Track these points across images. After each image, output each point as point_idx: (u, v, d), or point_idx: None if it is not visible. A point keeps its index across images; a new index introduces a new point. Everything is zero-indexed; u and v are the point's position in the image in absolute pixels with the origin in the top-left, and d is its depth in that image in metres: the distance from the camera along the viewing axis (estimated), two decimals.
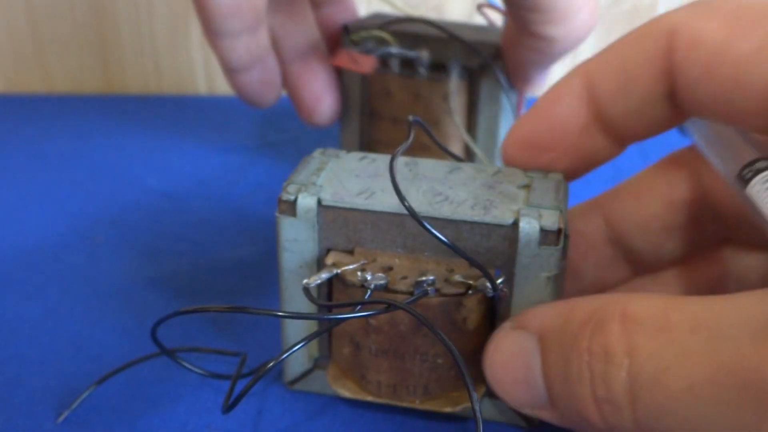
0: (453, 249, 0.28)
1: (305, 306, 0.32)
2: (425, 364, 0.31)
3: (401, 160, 0.34)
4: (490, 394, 0.32)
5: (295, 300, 0.32)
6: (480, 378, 0.31)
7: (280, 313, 0.31)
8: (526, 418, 0.32)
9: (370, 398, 0.32)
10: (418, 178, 0.32)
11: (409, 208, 0.28)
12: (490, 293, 0.29)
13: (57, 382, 0.35)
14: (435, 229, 0.28)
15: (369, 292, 0.29)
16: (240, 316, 0.39)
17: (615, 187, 0.36)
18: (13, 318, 0.39)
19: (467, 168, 0.33)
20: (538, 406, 0.29)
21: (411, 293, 0.29)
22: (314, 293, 0.32)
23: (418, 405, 0.32)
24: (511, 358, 0.29)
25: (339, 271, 0.30)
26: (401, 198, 0.29)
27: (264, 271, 0.44)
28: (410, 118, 0.32)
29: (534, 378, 0.28)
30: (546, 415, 0.29)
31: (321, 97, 0.48)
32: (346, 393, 0.32)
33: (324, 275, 0.30)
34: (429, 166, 0.33)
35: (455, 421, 0.33)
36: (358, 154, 0.34)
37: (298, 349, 0.29)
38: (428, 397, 0.32)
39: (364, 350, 0.31)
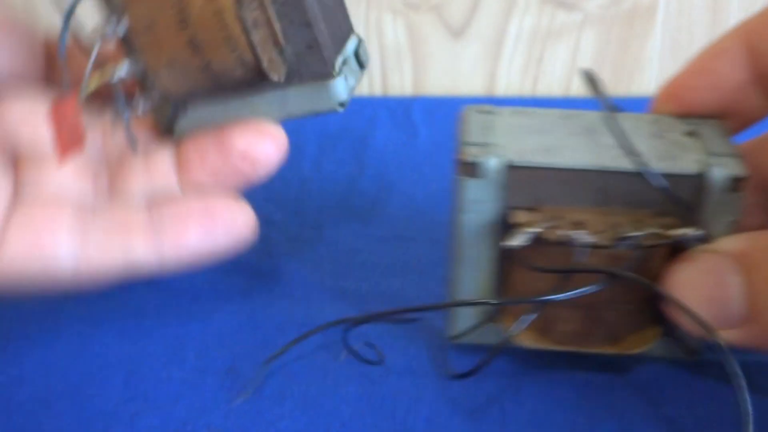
0: (675, 201, 0.30)
1: (483, 267, 0.33)
2: (617, 312, 0.32)
3: (557, 113, 0.34)
4: (666, 333, 0.33)
5: (473, 262, 0.33)
6: (658, 320, 0.33)
7: (546, 298, 0.31)
8: (689, 350, 0.34)
9: (553, 347, 0.33)
10: (587, 132, 0.33)
11: (642, 167, 0.30)
12: (693, 241, 0.30)
13: None
14: (626, 181, 0.30)
15: (585, 251, 0.30)
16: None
17: (762, 135, 0.36)
18: None
19: (625, 119, 0.33)
20: (728, 324, 0.30)
21: (611, 248, 0.30)
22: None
23: (603, 350, 0.33)
24: (704, 278, 0.30)
25: (541, 229, 0.30)
26: (636, 164, 0.30)
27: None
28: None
29: (728, 296, 0.29)
30: (736, 335, 0.30)
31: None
32: (528, 343, 0.33)
33: (525, 234, 0.30)
34: (588, 118, 0.34)
35: (625, 370, 0.35)
36: (511, 109, 0.34)
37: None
38: (614, 342, 0.33)
39: (557, 303, 0.32)
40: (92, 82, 0.32)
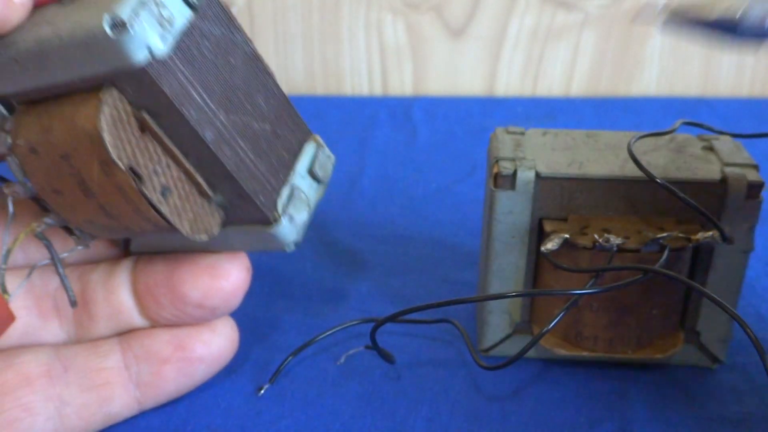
0: (693, 207, 0.31)
1: (513, 275, 0.34)
2: (642, 316, 0.33)
3: (582, 133, 0.36)
4: (687, 339, 0.35)
5: (503, 270, 0.34)
6: (682, 325, 0.35)
7: (576, 292, 0.32)
8: (713, 357, 0.35)
9: (585, 354, 0.34)
10: (610, 148, 0.34)
11: (650, 174, 0.31)
12: (718, 244, 0.32)
13: None
14: (649, 190, 0.32)
15: (612, 252, 0.31)
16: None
17: None
18: None
19: (647, 138, 0.35)
20: None
21: (638, 251, 0.32)
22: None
23: (631, 355, 0.34)
24: None
25: (568, 236, 0.32)
26: (642, 168, 0.31)
27: None
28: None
29: None
30: None
31: None
32: (562, 351, 0.34)
33: (557, 240, 0.32)
34: (611, 136, 0.35)
35: (651, 371, 0.36)
36: (539, 131, 0.36)
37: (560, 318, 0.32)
38: (639, 347, 0.34)
39: (585, 308, 0.33)
40: (17, 241, 0.29)
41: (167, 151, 0.27)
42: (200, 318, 0.32)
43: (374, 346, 0.34)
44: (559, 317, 0.32)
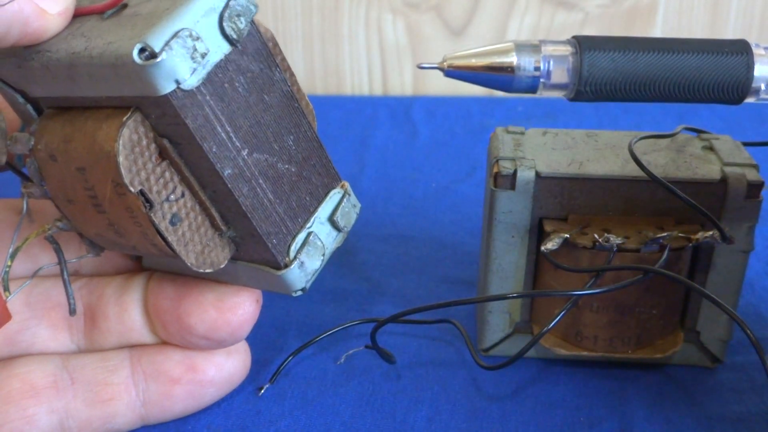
0: (694, 207, 0.31)
1: (513, 275, 0.34)
2: (642, 316, 0.33)
3: (582, 133, 0.36)
4: (687, 339, 0.35)
5: (503, 269, 0.34)
6: (681, 325, 0.35)
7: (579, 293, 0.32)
8: (713, 357, 0.35)
9: (585, 353, 0.34)
10: (610, 147, 0.34)
11: (651, 174, 0.31)
12: (718, 244, 0.32)
13: None
14: (649, 190, 0.32)
15: (613, 252, 0.31)
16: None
17: None
18: None
19: (648, 139, 0.35)
20: None
21: (638, 251, 0.32)
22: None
23: (631, 355, 0.34)
24: None
25: (568, 235, 0.32)
26: (642, 167, 0.31)
27: None
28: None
29: None
30: None
31: None
32: (562, 351, 0.34)
33: (557, 240, 0.32)
34: (611, 136, 0.35)
35: (652, 371, 0.36)
36: (539, 131, 0.36)
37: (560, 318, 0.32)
38: (639, 347, 0.34)
39: (585, 308, 0.33)
40: (27, 240, 0.29)
41: (184, 180, 0.27)
42: (207, 347, 0.32)
43: (374, 346, 0.34)
44: (559, 317, 0.32)
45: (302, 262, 0.29)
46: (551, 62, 0.26)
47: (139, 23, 0.24)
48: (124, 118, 0.25)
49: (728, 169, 0.32)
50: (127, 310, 0.32)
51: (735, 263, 0.33)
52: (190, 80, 0.24)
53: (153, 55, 0.23)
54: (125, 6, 0.26)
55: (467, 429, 0.33)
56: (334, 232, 0.30)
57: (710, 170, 0.33)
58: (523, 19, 0.60)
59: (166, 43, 0.24)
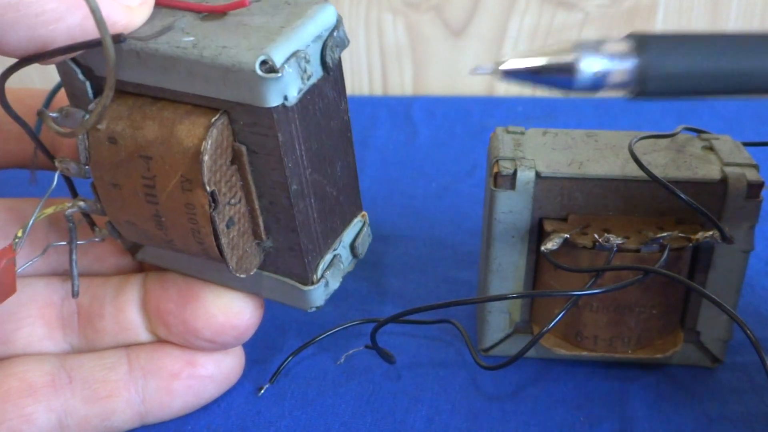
0: (694, 207, 0.31)
1: (513, 275, 0.34)
2: (642, 316, 0.33)
3: (582, 133, 0.36)
4: (687, 339, 0.35)
5: (503, 269, 0.34)
6: (681, 325, 0.35)
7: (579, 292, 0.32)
8: (713, 357, 0.35)
9: (585, 353, 0.34)
10: (610, 147, 0.34)
11: (651, 174, 0.31)
12: (718, 244, 0.32)
13: None
14: (649, 190, 0.32)
15: (613, 252, 0.32)
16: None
17: None
18: None
19: (648, 139, 0.35)
20: None
21: (638, 251, 0.32)
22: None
23: (631, 355, 0.34)
24: None
25: (568, 235, 0.32)
26: (642, 167, 0.31)
27: None
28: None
29: None
30: None
31: None
32: (562, 351, 0.34)
33: (557, 240, 0.32)
34: (611, 136, 0.35)
35: (651, 370, 0.36)
36: (539, 130, 0.36)
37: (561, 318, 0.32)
38: (639, 347, 0.34)
39: (585, 308, 0.33)
40: (46, 212, 0.29)
41: (245, 186, 0.28)
42: (209, 349, 0.32)
43: (374, 346, 0.34)
44: (559, 317, 0.32)
45: (327, 282, 0.30)
46: (613, 60, 0.25)
47: (252, 34, 0.26)
48: (213, 119, 0.26)
49: (728, 169, 0.32)
50: (123, 311, 0.32)
51: (735, 263, 0.33)
52: (293, 98, 0.26)
53: (272, 70, 0.25)
54: (224, 12, 0.27)
55: (467, 429, 0.33)
56: (351, 257, 0.32)
57: (710, 170, 0.33)
58: (523, 19, 0.60)
59: (286, 60, 0.25)
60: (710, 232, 0.32)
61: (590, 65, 0.26)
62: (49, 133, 0.28)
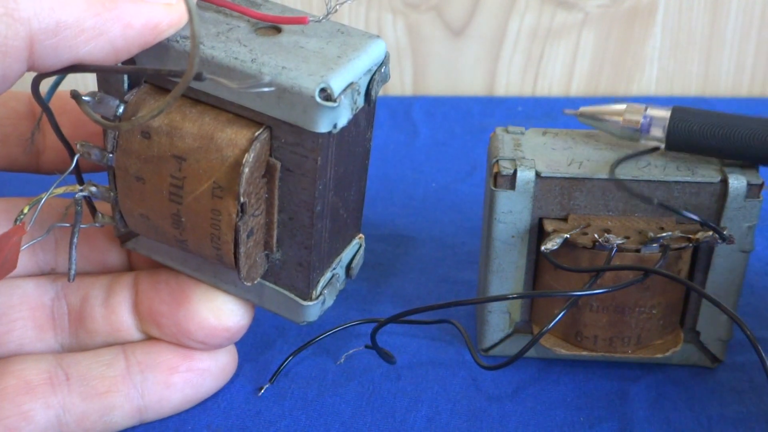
0: (690, 218, 0.32)
1: (513, 275, 0.34)
2: (642, 315, 0.33)
3: (582, 133, 0.36)
4: (687, 339, 0.35)
5: (503, 269, 0.34)
6: (681, 325, 0.35)
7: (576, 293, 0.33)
8: (713, 357, 0.36)
9: (585, 353, 0.34)
10: (610, 147, 0.34)
11: (643, 197, 0.32)
12: (718, 244, 0.32)
13: None
14: (648, 191, 0.32)
15: (613, 252, 0.32)
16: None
17: None
18: None
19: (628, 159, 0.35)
20: None
21: (638, 251, 0.32)
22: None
23: (631, 355, 0.34)
24: None
25: (568, 235, 0.32)
26: (633, 193, 0.32)
27: None
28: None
29: None
30: None
31: None
32: (562, 351, 0.34)
33: (557, 240, 0.32)
34: (609, 136, 0.35)
35: (652, 370, 0.36)
36: (539, 130, 0.36)
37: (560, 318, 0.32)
38: (639, 347, 0.34)
39: (585, 307, 0.33)
40: (57, 190, 0.29)
41: (270, 199, 0.28)
42: (201, 349, 0.32)
43: (374, 346, 0.34)
44: (559, 317, 0.32)
45: (324, 299, 0.31)
46: (651, 120, 0.33)
47: (311, 59, 0.26)
48: (257, 133, 0.27)
49: (728, 170, 0.32)
50: (115, 312, 0.32)
51: (735, 263, 0.33)
52: (341, 127, 0.26)
53: (330, 98, 0.26)
54: (279, 29, 0.27)
55: (467, 429, 0.33)
56: (344, 277, 0.32)
57: (710, 170, 0.33)
58: (523, 19, 0.60)
59: (343, 91, 0.26)
60: (710, 233, 0.32)
61: (634, 121, 0.33)
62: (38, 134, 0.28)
